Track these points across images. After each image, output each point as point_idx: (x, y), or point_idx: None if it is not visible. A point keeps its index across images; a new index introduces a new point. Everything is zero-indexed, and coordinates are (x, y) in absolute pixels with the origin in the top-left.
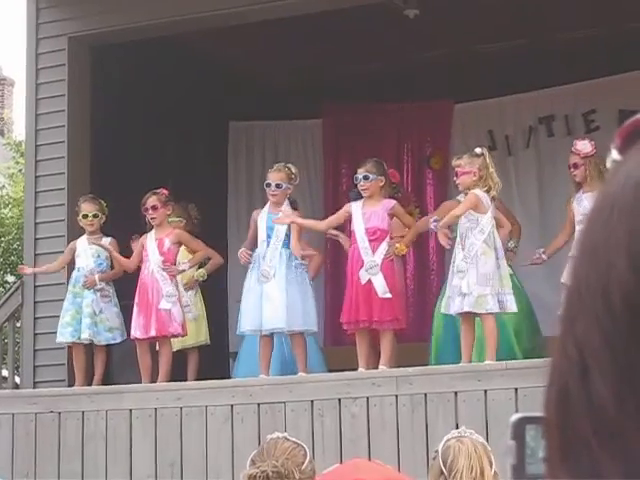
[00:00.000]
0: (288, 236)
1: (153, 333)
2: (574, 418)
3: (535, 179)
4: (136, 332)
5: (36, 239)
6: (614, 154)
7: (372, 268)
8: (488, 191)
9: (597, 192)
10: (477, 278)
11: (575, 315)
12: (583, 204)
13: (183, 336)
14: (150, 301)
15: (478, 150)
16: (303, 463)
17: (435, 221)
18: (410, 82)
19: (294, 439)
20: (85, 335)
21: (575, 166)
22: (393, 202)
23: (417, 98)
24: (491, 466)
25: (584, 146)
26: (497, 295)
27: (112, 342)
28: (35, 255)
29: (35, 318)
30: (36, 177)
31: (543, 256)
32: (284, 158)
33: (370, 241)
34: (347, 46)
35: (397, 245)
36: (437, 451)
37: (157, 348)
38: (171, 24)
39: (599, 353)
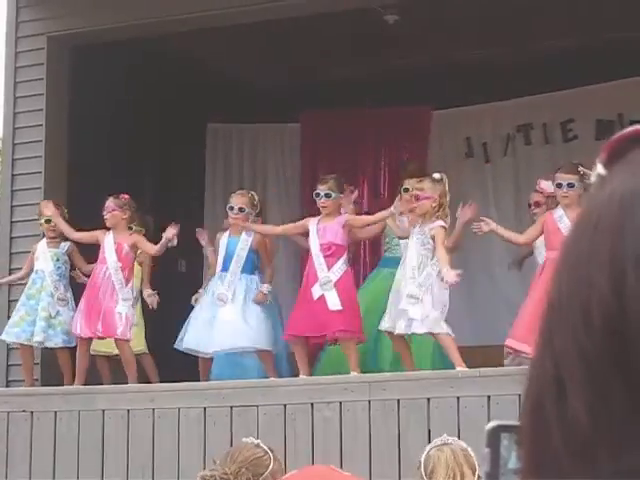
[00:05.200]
0: (250, 262)
1: (99, 334)
2: (546, 431)
3: (512, 187)
4: (81, 330)
5: (12, 238)
6: (599, 168)
7: (326, 284)
8: (443, 219)
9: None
10: (432, 303)
11: (554, 328)
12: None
13: (128, 340)
14: (100, 301)
15: (437, 175)
16: (262, 474)
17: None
18: (389, 88)
19: (265, 447)
20: (38, 338)
21: (537, 204)
22: (345, 216)
23: (396, 104)
24: (474, 472)
25: (548, 186)
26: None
27: (68, 345)
28: (10, 254)
29: (8, 317)
30: (13, 175)
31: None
32: (262, 161)
33: (325, 257)
34: (327, 51)
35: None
36: (420, 461)
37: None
38: (151, 25)
39: (575, 368)
